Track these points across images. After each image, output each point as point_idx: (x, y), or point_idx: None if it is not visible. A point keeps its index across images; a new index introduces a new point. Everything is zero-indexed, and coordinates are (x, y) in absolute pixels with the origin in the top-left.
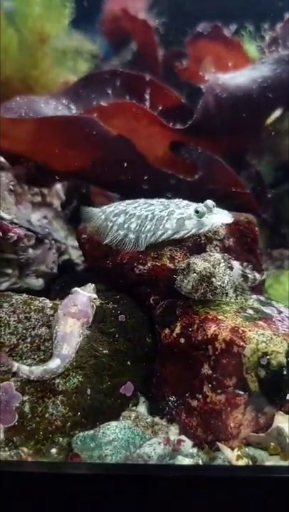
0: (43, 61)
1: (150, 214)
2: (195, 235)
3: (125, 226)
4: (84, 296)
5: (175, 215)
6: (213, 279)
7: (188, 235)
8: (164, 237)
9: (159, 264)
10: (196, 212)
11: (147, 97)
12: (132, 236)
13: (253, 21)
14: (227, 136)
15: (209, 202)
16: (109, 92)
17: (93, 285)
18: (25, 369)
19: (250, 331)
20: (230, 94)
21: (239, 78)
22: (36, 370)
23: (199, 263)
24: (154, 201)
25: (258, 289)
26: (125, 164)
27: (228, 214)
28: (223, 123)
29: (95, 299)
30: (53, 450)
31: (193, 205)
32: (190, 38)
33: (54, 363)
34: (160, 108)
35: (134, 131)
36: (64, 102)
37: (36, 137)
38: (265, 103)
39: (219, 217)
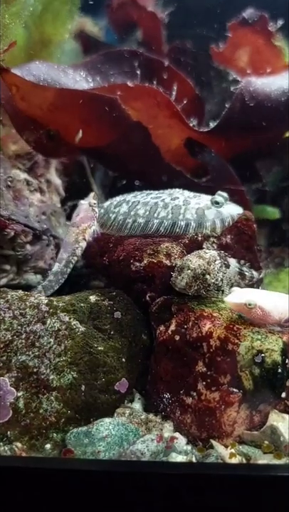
0: None
1: (160, 201)
2: (218, 232)
3: (132, 213)
4: (84, 204)
5: (192, 204)
6: (208, 276)
7: (211, 228)
8: (191, 230)
9: (155, 261)
10: (216, 202)
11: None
12: (141, 221)
13: None
14: (243, 141)
15: (223, 193)
16: (127, 71)
17: (93, 193)
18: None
19: (245, 328)
20: (258, 103)
21: (271, 87)
22: (45, 282)
23: (194, 260)
24: (151, 191)
25: (257, 286)
26: (137, 152)
27: (236, 205)
28: (243, 129)
29: (94, 203)
30: (48, 446)
31: (204, 196)
32: (233, 23)
33: (54, 267)
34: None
35: (153, 118)
36: (82, 73)
37: (55, 107)
38: None
39: (235, 208)
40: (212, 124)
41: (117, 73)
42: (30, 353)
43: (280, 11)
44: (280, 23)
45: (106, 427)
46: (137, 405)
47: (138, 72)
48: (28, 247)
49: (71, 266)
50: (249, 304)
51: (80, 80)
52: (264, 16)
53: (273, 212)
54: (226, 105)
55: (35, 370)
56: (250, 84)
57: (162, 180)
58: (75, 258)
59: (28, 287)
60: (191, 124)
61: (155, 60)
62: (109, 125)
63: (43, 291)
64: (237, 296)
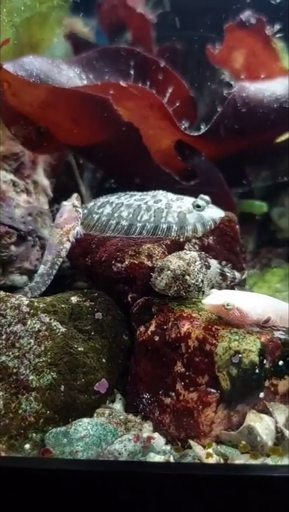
0: None
1: (143, 204)
2: (199, 235)
3: (115, 215)
4: (68, 205)
5: (174, 208)
6: (187, 277)
7: (192, 232)
8: (172, 233)
9: (136, 262)
10: (198, 206)
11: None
12: (124, 223)
13: None
14: (233, 145)
15: (205, 196)
16: (123, 69)
17: (76, 194)
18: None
19: (223, 329)
20: (250, 109)
21: (264, 92)
22: (31, 284)
23: (174, 261)
24: (135, 193)
25: (239, 287)
26: (127, 152)
27: (218, 208)
28: (234, 134)
29: (78, 204)
30: (27, 446)
31: (186, 199)
32: (230, 25)
33: (40, 269)
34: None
35: (145, 119)
36: (76, 70)
37: (46, 104)
38: (281, 123)
39: (217, 211)
40: (203, 128)
41: (112, 71)
42: (10, 353)
43: (277, 14)
44: (277, 27)
45: (84, 427)
46: (118, 406)
47: (132, 71)
48: (13, 248)
49: (56, 267)
50: (227, 305)
51: (73, 77)
52: (261, 18)
53: (261, 206)
54: (218, 109)
55: (14, 370)
56: (243, 89)
57: (151, 181)
58: (60, 259)
59: (14, 288)
60: (182, 127)
61: (152, 60)
62: (101, 124)
63: (29, 293)
64: (215, 298)
